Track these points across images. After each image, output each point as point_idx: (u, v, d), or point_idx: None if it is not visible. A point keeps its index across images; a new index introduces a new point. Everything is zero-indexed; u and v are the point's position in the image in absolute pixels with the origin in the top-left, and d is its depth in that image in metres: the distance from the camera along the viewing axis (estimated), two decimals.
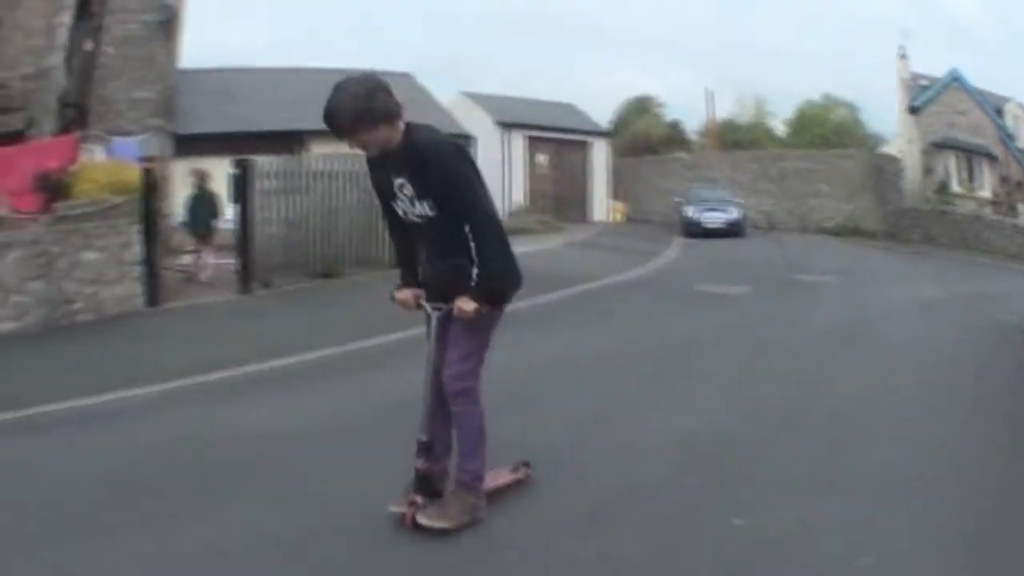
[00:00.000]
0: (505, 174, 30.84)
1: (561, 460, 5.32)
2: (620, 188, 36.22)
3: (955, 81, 32.81)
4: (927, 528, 4.29)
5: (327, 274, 15.59)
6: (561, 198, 33.79)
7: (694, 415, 6.63)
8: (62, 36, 16.90)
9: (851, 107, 48.22)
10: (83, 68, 17.72)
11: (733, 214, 29.09)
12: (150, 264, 13.06)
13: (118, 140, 16.41)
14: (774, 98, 67.39)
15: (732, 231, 28.32)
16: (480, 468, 4.26)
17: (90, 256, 12.28)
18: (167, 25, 18.52)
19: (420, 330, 4.54)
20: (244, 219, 14.62)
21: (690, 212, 29.20)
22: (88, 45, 17.86)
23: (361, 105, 3.75)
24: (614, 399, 7.21)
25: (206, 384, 7.99)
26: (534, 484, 4.83)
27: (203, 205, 16.13)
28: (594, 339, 10.30)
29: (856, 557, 3.88)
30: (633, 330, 11.04)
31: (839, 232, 31.09)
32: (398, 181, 4.06)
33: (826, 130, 45.45)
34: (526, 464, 4.84)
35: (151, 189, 13.42)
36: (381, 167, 4.17)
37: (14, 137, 14.90)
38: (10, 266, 11.47)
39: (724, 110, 50.75)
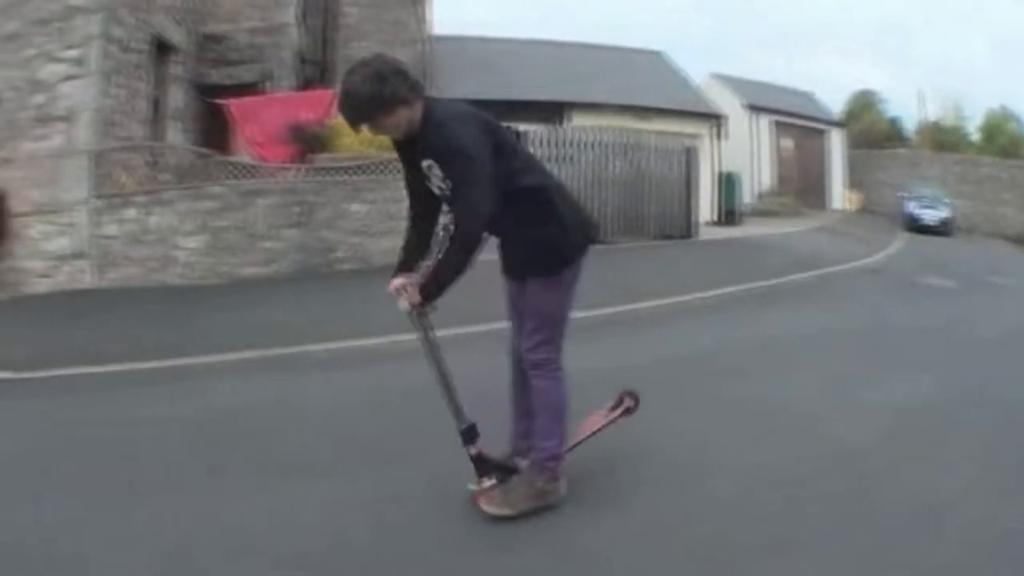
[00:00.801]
0: (753, 156, 30.40)
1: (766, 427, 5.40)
2: (853, 179, 36.02)
3: None
4: None
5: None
6: (803, 184, 33.45)
7: (897, 392, 6.52)
8: None
9: (1020, 121, 49.83)
10: (322, 27, 17.08)
11: (944, 213, 29.27)
12: None
13: None
14: (968, 103, 69.58)
15: (943, 229, 28.47)
16: (557, 446, 3.96)
17: (356, 208, 12.08)
18: None
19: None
20: None
21: (910, 207, 29.42)
22: (324, 5, 17.16)
23: (370, 90, 3.49)
24: (832, 372, 7.22)
25: (458, 336, 7.84)
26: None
27: None
28: (820, 317, 10.53)
29: (1009, 521, 4.06)
30: (861, 311, 11.27)
31: (1020, 240, 31.07)
32: (425, 163, 3.72)
33: (1008, 140, 46.66)
34: (631, 394, 4.53)
35: None
36: (410, 149, 3.81)
37: (245, 89, 14.18)
38: (261, 213, 11.27)
39: (932, 112, 52.96)
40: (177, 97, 14.66)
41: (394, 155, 12.12)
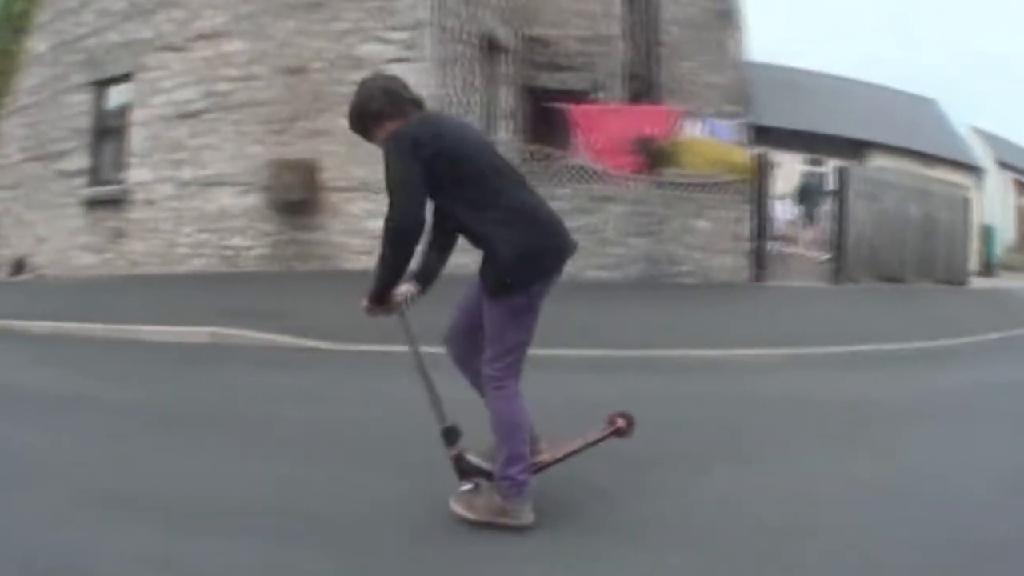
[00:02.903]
0: (1000, 212, 29.50)
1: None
2: None
3: None
4: None
5: (893, 278, 15.53)
6: None
7: None
8: (616, 5, 15.96)
9: None
10: (645, 43, 17.05)
11: None
12: (759, 242, 12.85)
13: (716, 121, 16.23)
14: None
15: None
16: (506, 469, 3.66)
17: (701, 224, 12.19)
18: (726, 15, 18.06)
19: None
20: (841, 217, 14.75)
21: None
22: (647, 21, 17.25)
23: (361, 104, 3.75)
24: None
25: (798, 356, 8.33)
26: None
27: (810, 195, 17.42)
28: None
29: None
30: None
31: None
32: None
33: None
34: (623, 415, 4.12)
35: (762, 172, 13.35)
36: None
37: (575, 96, 14.16)
38: (612, 219, 11.48)
39: None
40: (507, 96, 14.71)
41: (734, 176, 12.13)
